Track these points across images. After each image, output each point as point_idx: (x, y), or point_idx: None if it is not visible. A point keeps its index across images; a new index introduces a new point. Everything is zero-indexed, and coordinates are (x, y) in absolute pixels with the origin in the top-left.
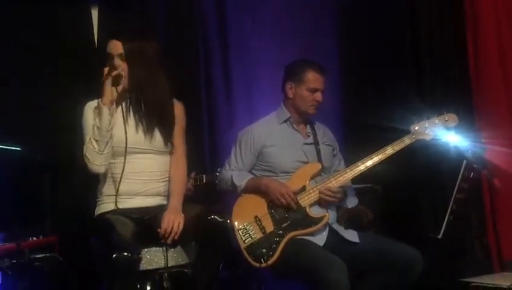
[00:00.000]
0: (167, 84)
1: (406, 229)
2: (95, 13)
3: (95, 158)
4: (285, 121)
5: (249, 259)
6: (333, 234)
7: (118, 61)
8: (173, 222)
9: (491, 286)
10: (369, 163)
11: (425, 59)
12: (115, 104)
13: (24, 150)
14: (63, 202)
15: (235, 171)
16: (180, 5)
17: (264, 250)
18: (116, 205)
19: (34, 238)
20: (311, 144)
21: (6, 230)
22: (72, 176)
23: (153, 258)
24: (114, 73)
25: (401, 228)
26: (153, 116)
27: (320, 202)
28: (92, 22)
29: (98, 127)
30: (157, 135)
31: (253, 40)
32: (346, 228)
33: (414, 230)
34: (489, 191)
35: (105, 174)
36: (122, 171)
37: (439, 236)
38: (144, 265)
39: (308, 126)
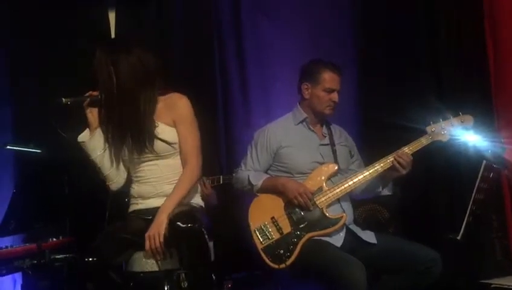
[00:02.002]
0: (148, 91)
1: (425, 230)
2: (112, 16)
3: (105, 180)
4: (301, 122)
5: (266, 260)
6: (350, 234)
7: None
8: (153, 238)
9: None
10: (386, 164)
11: (444, 60)
12: (98, 129)
13: (44, 152)
14: (82, 203)
15: (251, 171)
16: (197, 8)
17: (281, 251)
18: (133, 207)
19: (54, 239)
20: (327, 144)
21: (27, 231)
22: (91, 178)
23: (168, 258)
24: (85, 102)
25: (420, 229)
26: (122, 126)
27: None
28: (109, 26)
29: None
30: (136, 142)
31: (269, 40)
32: (363, 228)
33: (433, 231)
34: (509, 191)
35: (130, 178)
36: (133, 176)
37: (459, 237)
38: (162, 265)
39: (324, 127)
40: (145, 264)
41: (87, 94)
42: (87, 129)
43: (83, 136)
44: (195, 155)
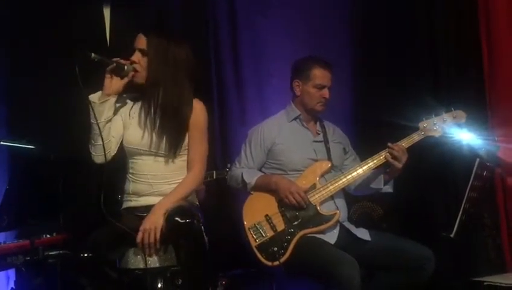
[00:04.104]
0: (188, 90)
1: (418, 228)
2: (107, 13)
3: (92, 148)
4: (294, 119)
5: (261, 258)
6: (344, 232)
7: (136, 56)
8: (148, 232)
9: (504, 285)
10: (379, 160)
11: (440, 58)
12: (111, 97)
13: (38, 148)
14: (76, 200)
15: (245, 169)
16: (192, 4)
17: (275, 248)
18: (127, 204)
19: (48, 236)
20: (320, 141)
21: (20, 227)
22: (86, 174)
23: (162, 255)
24: (110, 66)
25: (413, 226)
26: (163, 118)
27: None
28: (104, 22)
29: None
30: (164, 138)
31: (264, 37)
32: (357, 226)
33: (426, 229)
34: (502, 189)
35: (124, 173)
36: (128, 171)
37: (452, 235)
38: (155, 262)
39: (317, 124)
40: (139, 261)
41: (115, 59)
42: (101, 92)
43: (94, 97)
44: (201, 163)
